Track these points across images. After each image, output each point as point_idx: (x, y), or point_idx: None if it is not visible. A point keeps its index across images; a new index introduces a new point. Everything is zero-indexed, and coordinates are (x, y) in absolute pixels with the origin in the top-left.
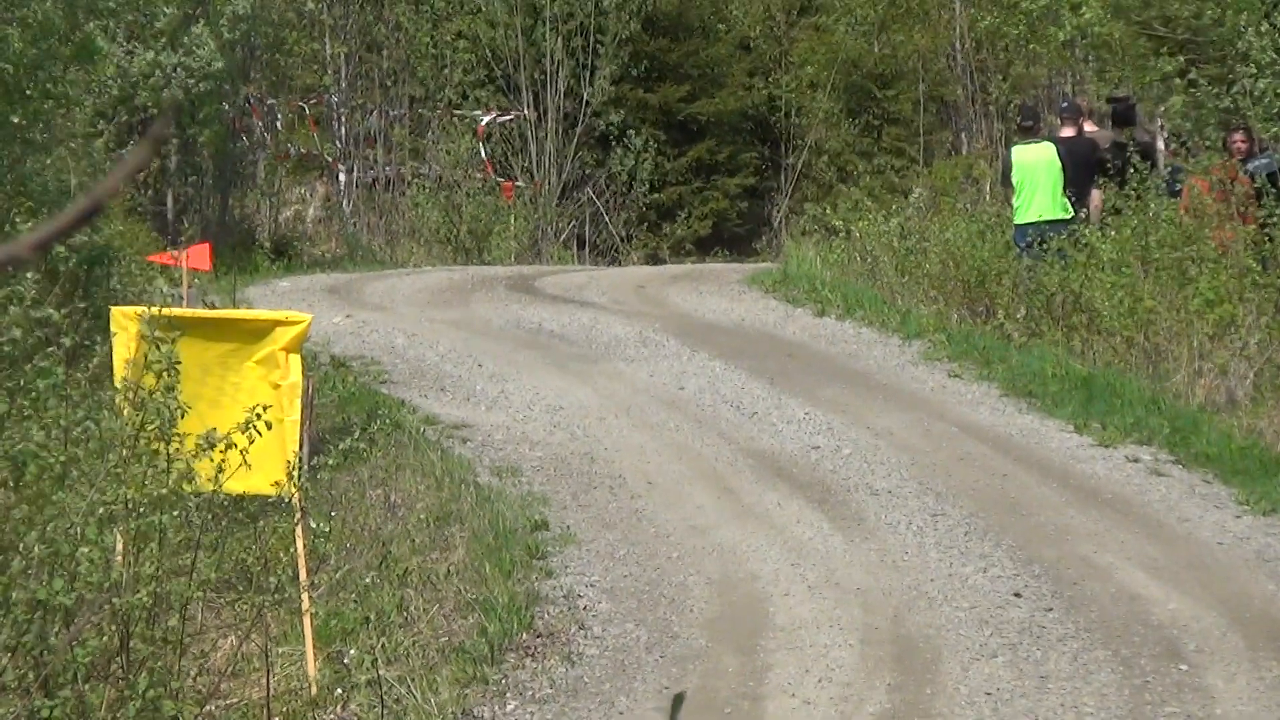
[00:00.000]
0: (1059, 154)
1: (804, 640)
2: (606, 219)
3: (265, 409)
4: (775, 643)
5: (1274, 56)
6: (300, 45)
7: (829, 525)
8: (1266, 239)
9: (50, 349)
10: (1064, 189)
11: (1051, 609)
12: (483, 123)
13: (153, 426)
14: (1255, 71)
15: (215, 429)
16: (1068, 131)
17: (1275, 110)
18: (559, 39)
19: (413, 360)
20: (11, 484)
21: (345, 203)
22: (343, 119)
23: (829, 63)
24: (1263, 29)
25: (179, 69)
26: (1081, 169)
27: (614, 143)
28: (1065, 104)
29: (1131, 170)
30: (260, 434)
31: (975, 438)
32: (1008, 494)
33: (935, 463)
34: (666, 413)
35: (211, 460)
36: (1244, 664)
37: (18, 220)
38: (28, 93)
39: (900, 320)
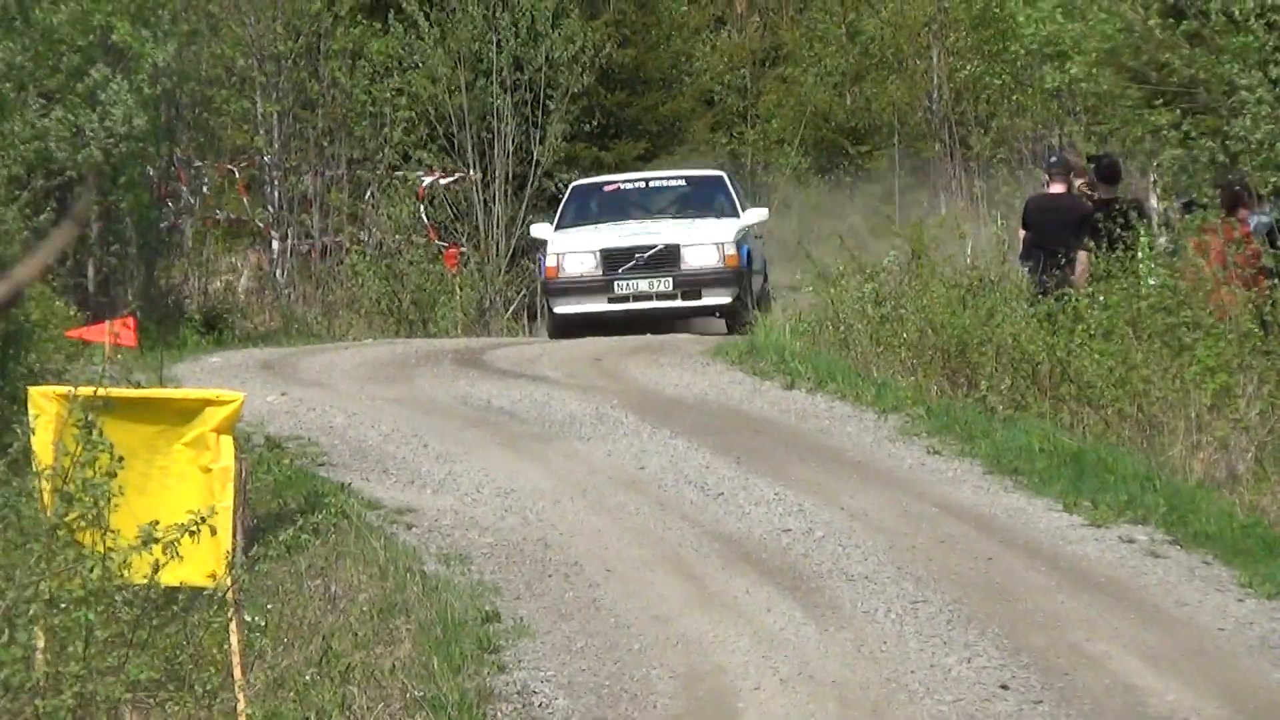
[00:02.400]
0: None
1: None
2: None
3: (212, 512)
4: None
5: (1273, 106)
6: (229, 103)
7: (801, 613)
8: (1270, 303)
9: None
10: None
11: (1041, 701)
12: (424, 184)
13: (74, 516)
14: (1253, 121)
15: (156, 522)
16: (1057, 188)
17: (1275, 161)
18: (506, 95)
19: (353, 440)
20: None
21: (279, 272)
22: (276, 182)
23: (797, 116)
24: (1257, 77)
25: (97, 129)
26: (1070, 229)
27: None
28: (1054, 159)
29: (1122, 230)
30: (196, 535)
31: (957, 518)
32: (993, 578)
33: (914, 545)
34: (626, 494)
35: (151, 554)
36: None
37: None
38: None
39: (875, 393)
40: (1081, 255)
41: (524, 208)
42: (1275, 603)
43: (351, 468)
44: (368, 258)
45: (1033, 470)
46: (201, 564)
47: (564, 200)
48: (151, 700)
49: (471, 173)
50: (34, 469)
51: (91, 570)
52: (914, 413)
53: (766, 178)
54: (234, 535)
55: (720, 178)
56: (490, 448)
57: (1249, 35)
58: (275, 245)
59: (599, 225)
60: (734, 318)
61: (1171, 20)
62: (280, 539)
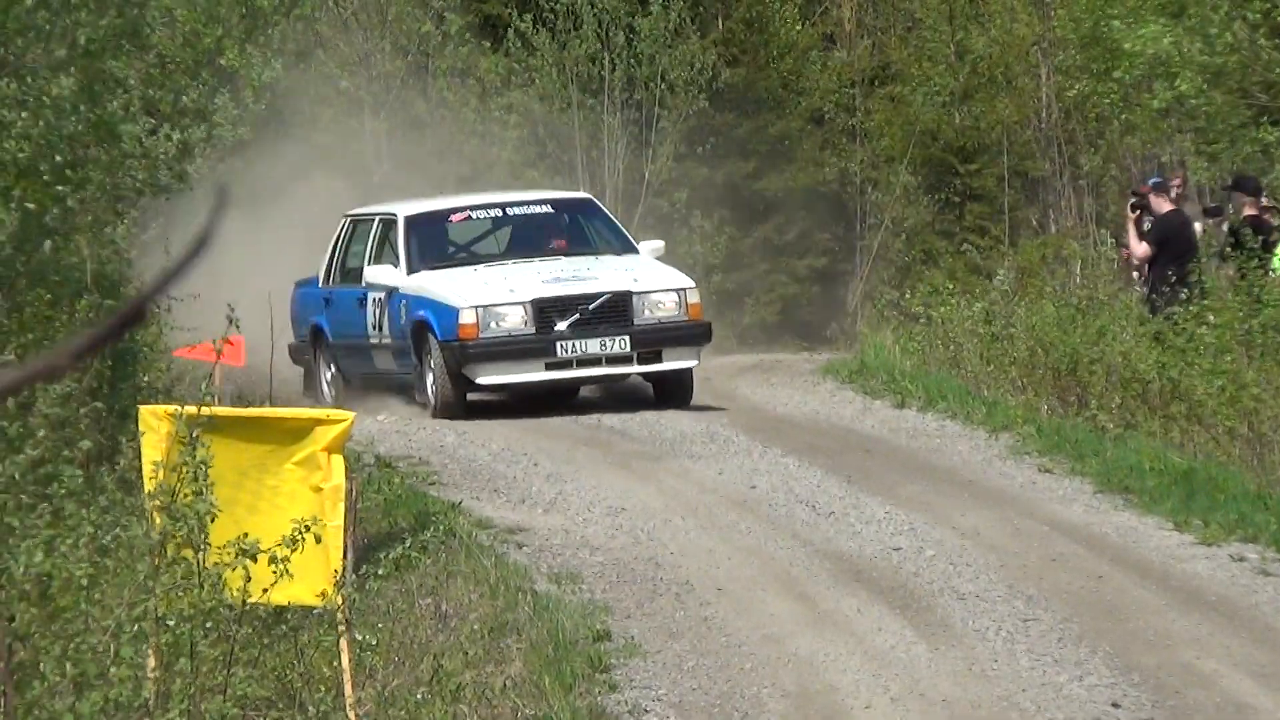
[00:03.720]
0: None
1: None
2: None
3: (315, 521)
4: None
5: None
6: (337, 120)
7: (912, 632)
8: None
9: (65, 452)
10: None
11: (1153, 719)
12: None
13: (182, 533)
14: None
15: (256, 538)
16: (1165, 206)
17: None
18: (618, 113)
19: (463, 460)
20: (34, 598)
21: None
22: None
23: (906, 135)
24: None
25: (204, 145)
26: (1177, 246)
27: (678, 223)
28: (1157, 179)
29: (1233, 247)
30: (303, 546)
31: (1068, 537)
32: (1104, 597)
33: (1025, 564)
34: (737, 514)
35: (257, 571)
36: None
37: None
38: (43, 175)
39: (986, 412)
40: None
41: (634, 226)
42: None
43: (462, 487)
44: None
45: (1143, 489)
46: (312, 583)
47: (398, 235)
48: (261, 718)
49: (582, 191)
50: (143, 488)
51: (201, 589)
52: (1024, 431)
53: (876, 195)
54: (345, 554)
55: (590, 202)
56: (601, 466)
57: None
58: None
59: (480, 267)
60: (690, 382)
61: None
62: (390, 557)
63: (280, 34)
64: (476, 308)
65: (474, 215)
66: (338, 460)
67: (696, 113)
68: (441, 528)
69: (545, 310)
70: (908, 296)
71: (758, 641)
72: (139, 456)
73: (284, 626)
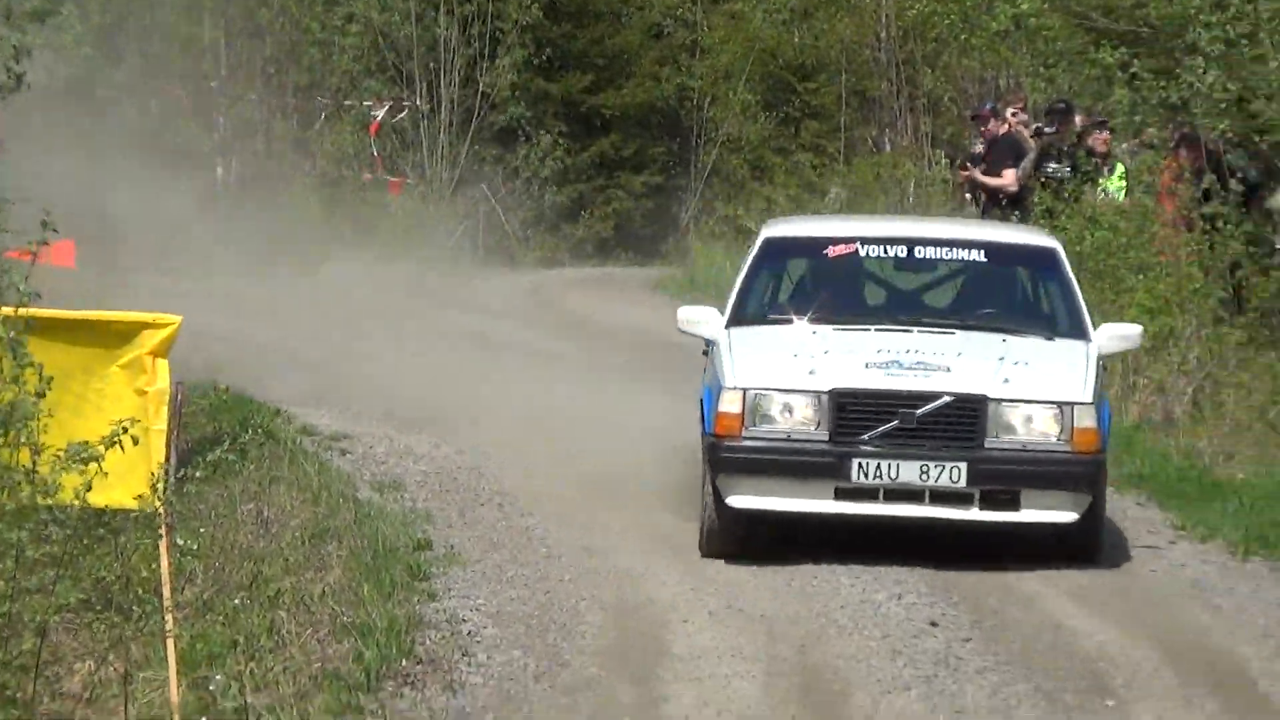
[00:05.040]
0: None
1: (704, 670)
2: (503, 219)
3: (134, 422)
4: (673, 673)
5: (1223, 48)
6: (178, 28)
7: None
8: (1209, 245)
9: None
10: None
11: (970, 639)
12: (377, 118)
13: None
14: (1203, 63)
15: (85, 441)
16: (1001, 129)
17: (1222, 105)
18: (455, 25)
19: (293, 366)
20: None
21: (221, 199)
22: (223, 109)
23: (745, 51)
24: (1212, 19)
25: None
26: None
27: (519, 138)
28: (991, 104)
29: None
30: (123, 448)
31: None
32: None
33: None
34: (559, 424)
35: (82, 474)
36: (1176, 701)
37: None
38: None
39: None
40: (1008, 173)
41: (469, 139)
42: (1207, 546)
43: (288, 393)
44: (310, 185)
45: None
46: (132, 486)
47: (748, 264)
48: (79, 621)
49: (419, 103)
50: None
51: (21, 488)
52: None
53: (714, 112)
54: (168, 459)
55: (1054, 253)
56: (426, 376)
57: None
58: (219, 172)
59: (820, 327)
60: (1079, 543)
61: None
62: (209, 460)
63: None
64: (743, 390)
65: (861, 250)
66: (163, 364)
67: (533, 24)
68: (263, 432)
69: (847, 408)
70: (741, 212)
71: (577, 553)
72: None
73: (102, 530)
